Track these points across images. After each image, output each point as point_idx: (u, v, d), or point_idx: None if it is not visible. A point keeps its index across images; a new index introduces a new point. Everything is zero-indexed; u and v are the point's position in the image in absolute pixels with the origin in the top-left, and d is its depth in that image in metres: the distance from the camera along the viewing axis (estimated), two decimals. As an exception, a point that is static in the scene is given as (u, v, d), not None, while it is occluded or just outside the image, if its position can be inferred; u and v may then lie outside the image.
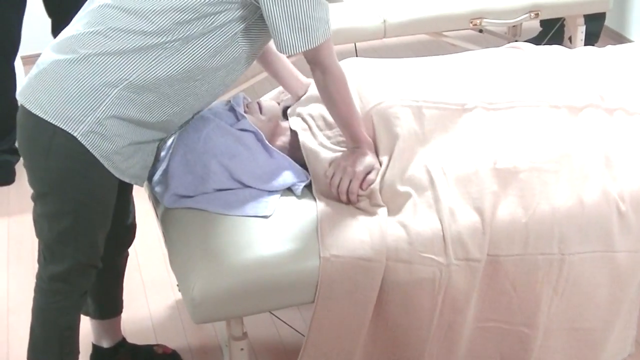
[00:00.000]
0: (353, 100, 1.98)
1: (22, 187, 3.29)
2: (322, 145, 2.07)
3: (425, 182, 1.97)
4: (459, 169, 2.00)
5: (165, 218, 2.05)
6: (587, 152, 2.07)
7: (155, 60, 1.78)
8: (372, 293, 1.90)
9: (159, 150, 2.01)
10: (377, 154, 2.02)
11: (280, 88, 2.32)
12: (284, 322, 2.47)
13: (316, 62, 1.88)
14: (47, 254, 1.93)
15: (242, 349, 1.97)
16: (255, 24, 1.84)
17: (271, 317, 2.51)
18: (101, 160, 1.80)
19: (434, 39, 3.81)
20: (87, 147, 1.78)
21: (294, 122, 2.16)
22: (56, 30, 3.34)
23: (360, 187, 1.97)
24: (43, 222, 1.90)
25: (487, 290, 2.00)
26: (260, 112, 2.11)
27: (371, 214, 1.95)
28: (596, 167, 2.06)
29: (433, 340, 1.99)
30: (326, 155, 2.05)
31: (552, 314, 2.05)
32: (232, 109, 2.09)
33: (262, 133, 2.05)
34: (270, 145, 2.05)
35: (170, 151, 2.05)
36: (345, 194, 1.97)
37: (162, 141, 2.00)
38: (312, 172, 2.07)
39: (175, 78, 1.80)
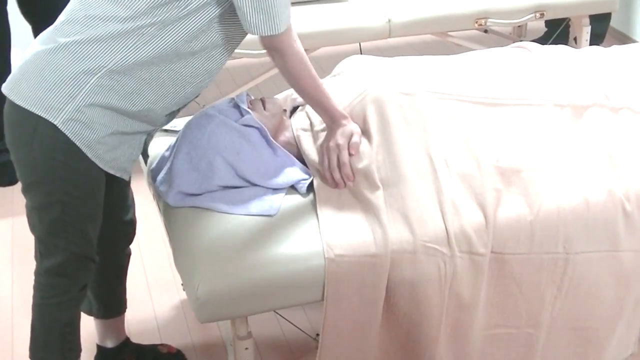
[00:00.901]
0: (317, 76, 1.95)
1: (26, 187, 3.29)
2: (318, 139, 2.06)
3: (427, 171, 1.97)
4: (461, 163, 1.99)
5: (170, 217, 2.05)
6: (592, 151, 2.07)
7: (133, 47, 1.79)
8: (380, 289, 1.89)
9: (146, 144, 2.00)
10: (369, 136, 2.00)
11: (289, 91, 2.32)
12: (288, 321, 2.47)
13: (275, 48, 1.88)
14: (42, 247, 1.94)
15: (246, 348, 1.97)
16: (232, 9, 1.84)
17: (276, 316, 2.50)
18: (84, 149, 1.81)
19: (439, 39, 3.81)
20: (69, 135, 1.79)
21: (297, 118, 2.16)
22: (37, 33, 3.31)
23: (350, 153, 1.96)
24: (34, 216, 1.91)
25: (494, 294, 1.99)
26: (264, 109, 2.11)
27: (373, 207, 1.93)
28: (601, 167, 2.06)
29: (443, 341, 1.98)
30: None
31: (556, 313, 2.05)
32: (236, 106, 2.09)
33: (266, 129, 2.05)
34: (275, 142, 2.05)
35: (175, 150, 2.05)
36: (338, 170, 1.96)
37: (149, 135, 1.99)
38: (311, 168, 2.06)
39: (153, 64, 1.81)
